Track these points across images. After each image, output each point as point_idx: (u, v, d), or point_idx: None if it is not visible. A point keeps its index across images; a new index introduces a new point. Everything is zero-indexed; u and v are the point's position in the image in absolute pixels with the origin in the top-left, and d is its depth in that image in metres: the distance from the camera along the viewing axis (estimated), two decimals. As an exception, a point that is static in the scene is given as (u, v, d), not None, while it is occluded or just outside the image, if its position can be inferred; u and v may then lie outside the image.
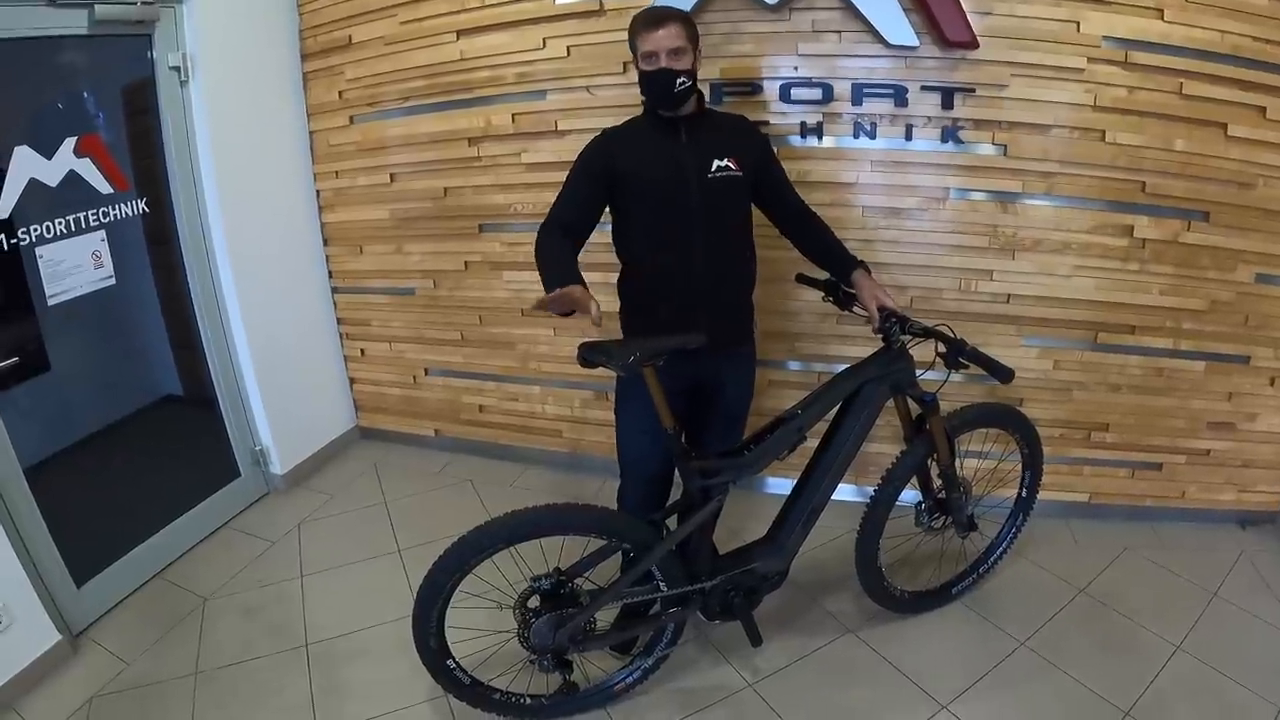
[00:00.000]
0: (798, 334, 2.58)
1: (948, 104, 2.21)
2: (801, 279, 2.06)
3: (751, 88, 2.33)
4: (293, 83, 2.84)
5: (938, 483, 2.03)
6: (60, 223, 2.12)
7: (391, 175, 2.85)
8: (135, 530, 2.45)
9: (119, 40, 2.25)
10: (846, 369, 1.89)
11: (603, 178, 1.75)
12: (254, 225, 2.70)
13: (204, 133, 2.47)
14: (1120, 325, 2.37)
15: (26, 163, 2.04)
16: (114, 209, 2.27)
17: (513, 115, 2.59)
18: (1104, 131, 2.17)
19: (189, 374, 2.71)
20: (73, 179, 2.15)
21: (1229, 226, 2.22)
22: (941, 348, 1.76)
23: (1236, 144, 2.13)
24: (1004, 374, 1.74)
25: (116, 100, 2.35)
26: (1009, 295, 2.39)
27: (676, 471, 1.81)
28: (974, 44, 2.13)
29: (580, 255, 1.69)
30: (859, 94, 2.26)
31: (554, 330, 2.84)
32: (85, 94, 2.26)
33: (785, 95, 2.31)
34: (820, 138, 2.34)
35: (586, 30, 2.41)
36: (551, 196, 1.78)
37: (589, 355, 1.59)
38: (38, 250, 2.07)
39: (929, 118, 2.24)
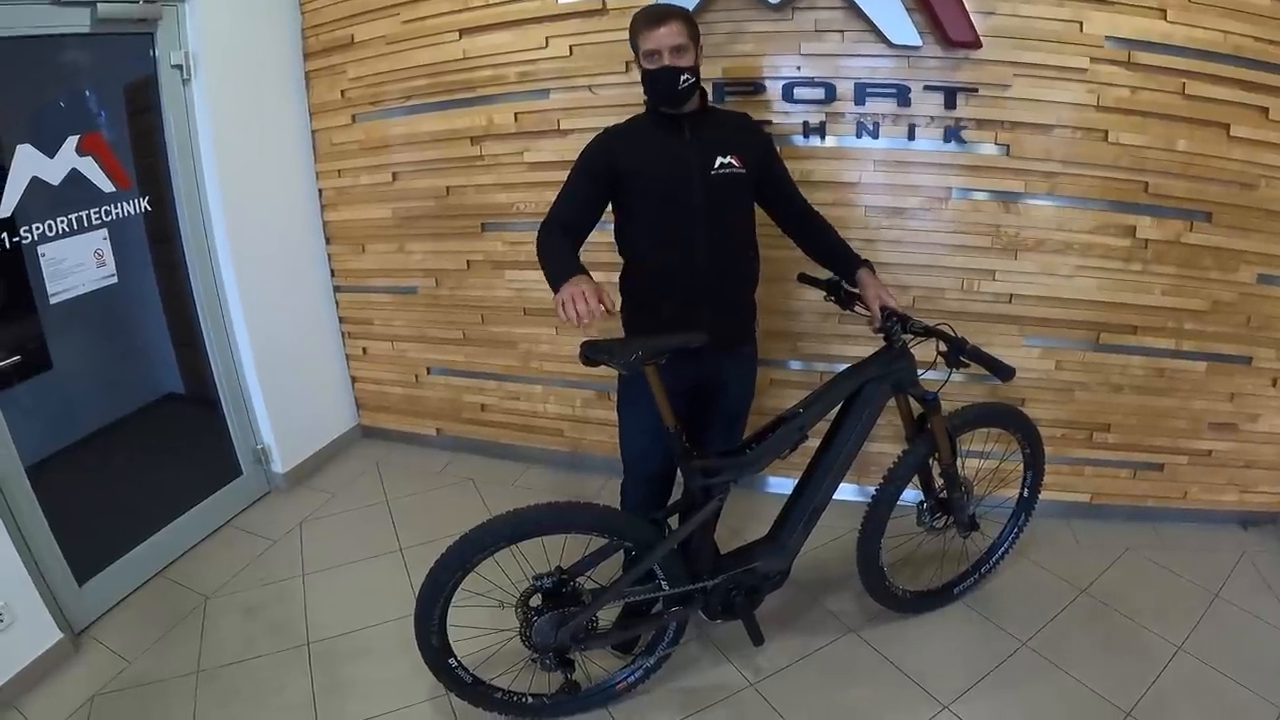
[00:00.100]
0: (799, 333, 2.57)
1: (950, 104, 2.21)
2: (803, 278, 2.06)
3: (754, 87, 2.33)
4: (295, 81, 2.85)
5: (939, 482, 2.03)
6: (62, 221, 2.12)
7: (394, 174, 2.85)
8: (137, 528, 2.45)
9: (121, 39, 2.25)
10: (848, 368, 1.88)
11: (604, 177, 1.75)
12: (256, 224, 2.70)
13: (206, 131, 2.47)
14: (1122, 325, 2.37)
15: (29, 161, 2.04)
16: (116, 207, 2.28)
17: (515, 114, 2.59)
18: (1106, 132, 2.17)
19: (191, 372, 2.72)
20: (75, 177, 2.16)
21: (1231, 227, 2.22)
22: (942, 347, 1.76)
23: (1239, 144, 2.13)
24: (1005, 372, 1.73)
25: (119, 99, 2.35)
26: (1011, 295, 2.39)
27: (678, 470, 1.80)
28: (977, 44, 2.12)
29: (581, 254, 1.68)
30: (862, 94, 2.26)
31: (555, 329, 2.84)
32: (87, 92, 2.26)
33: (788, 95, 2.31)
34: (823, 137, 2.34)
35: (589, 29, 2.41)
36: (554, 196, 1.78)
37: (591, 354, 1.59)
38: (40, 249, 2.07)
39: (932, 117, 2.24)
